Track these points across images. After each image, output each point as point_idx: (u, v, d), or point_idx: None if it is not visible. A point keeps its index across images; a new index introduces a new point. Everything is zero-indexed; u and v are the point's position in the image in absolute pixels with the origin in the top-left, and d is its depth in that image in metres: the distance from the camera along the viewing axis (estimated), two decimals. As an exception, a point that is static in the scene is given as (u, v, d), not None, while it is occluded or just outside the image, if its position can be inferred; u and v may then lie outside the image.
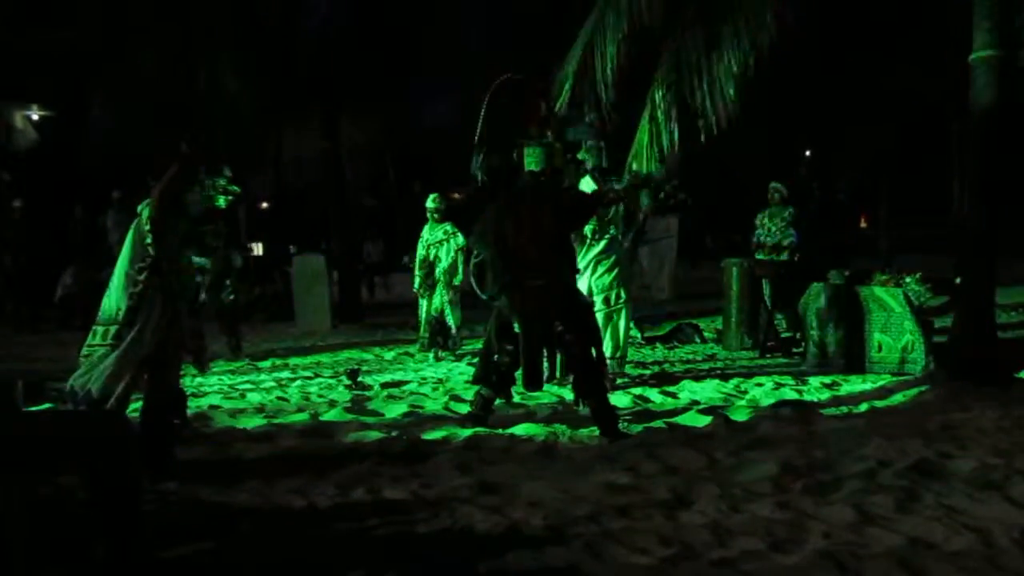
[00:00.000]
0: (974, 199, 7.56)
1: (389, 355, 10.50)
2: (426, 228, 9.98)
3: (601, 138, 8.25)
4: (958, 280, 7.78)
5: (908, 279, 8.17)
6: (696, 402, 6.94)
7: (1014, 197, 10.99)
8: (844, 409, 6.56)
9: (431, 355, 9.83)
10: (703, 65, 8.57)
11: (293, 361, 10.11)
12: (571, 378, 7.36)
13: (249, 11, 15.93)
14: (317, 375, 8.92)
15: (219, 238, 9.37)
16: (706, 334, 11.14)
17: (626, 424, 6.09)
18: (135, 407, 5.09)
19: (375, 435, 5.90)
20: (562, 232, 6.10)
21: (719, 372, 8.46)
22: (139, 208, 4.96)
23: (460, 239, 9.62)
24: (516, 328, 5.99)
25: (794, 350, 9.47)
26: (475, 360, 9.22)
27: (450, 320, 9.77)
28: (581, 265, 7.21)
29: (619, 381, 7.59)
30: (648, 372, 8.40)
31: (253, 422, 6.47)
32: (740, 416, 6.28)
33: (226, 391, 7.95)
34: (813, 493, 4.36)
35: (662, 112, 8.66)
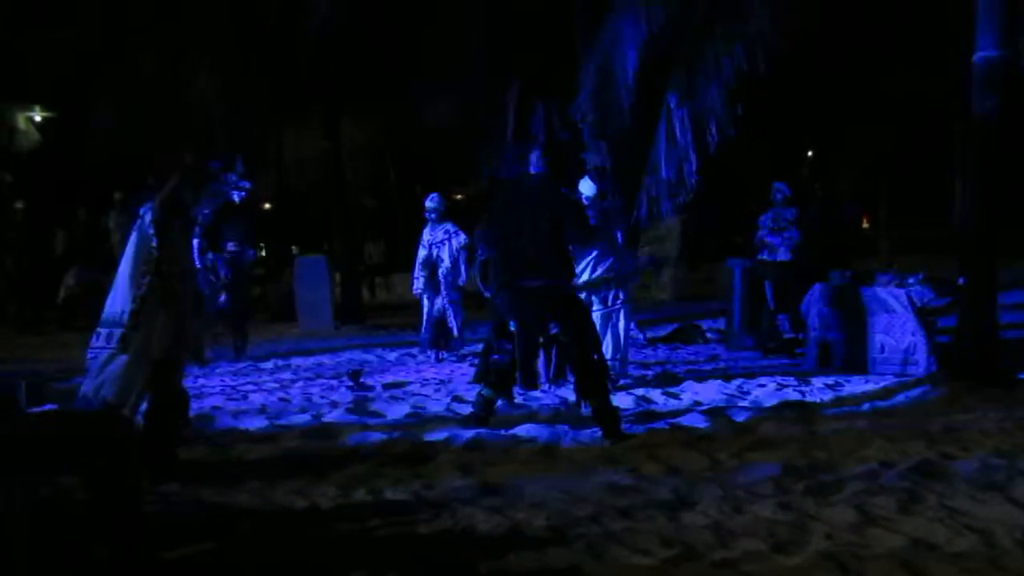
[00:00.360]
0: (975, 200, 7.55)
1: (391, 356, 10.50)
2: (426, 229, 9.96)
3: (603, 139, 8.28)
4: (960, 281, 7.78)
5: (910, 280, 8.17)
6: (698, 403, 6.93)
7: (1015, 197, 10.99)
8: (846, 410, 6.55)
9: (433, 356, 9.82)
10: (711, 67, 8.63)
11: (295, 362, 10.10)
12: (560, 384, 7.43)
13: (249, 11, 15.91)
14: (319, 376, 8.92)
15: (236, 236, 9.40)
16: (708, 335, 11.14)
17: (628, 425, 6.08)
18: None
19: (377, 436, 5.90)
20: (560, 235, 6.11)
21: (721, 373, 8.46)
22: (141, 211, 4.97)
23: (461, 239, 9.60)
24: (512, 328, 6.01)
25: (796, 351, 9.47)
26: (477, 361, 9.25)
27: (452, 321, 9.77)
28: (578, 268, 7.23)
29: (621, 382, 7.59)
30: (650, 373, 8.40)
31: (255, 423, 6.47)
32: (742, 417, 6.28)
33: (228, 392, 7.95)
34: (815, 494, 4.36)
35: (676, 116, 8.73)
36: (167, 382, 4.97)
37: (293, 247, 23.83)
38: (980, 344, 7.45)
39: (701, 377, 8.16)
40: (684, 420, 6.23)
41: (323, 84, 15.79)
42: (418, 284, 9.91)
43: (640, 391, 7.38)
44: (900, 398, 6.99)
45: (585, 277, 7.63)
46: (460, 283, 9.76)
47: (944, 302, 8.05)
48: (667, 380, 7.94)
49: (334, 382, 8.42)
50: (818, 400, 7.00)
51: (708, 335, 11.12)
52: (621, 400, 6.83)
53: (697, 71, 8.97)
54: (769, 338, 9.74)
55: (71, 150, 18.69)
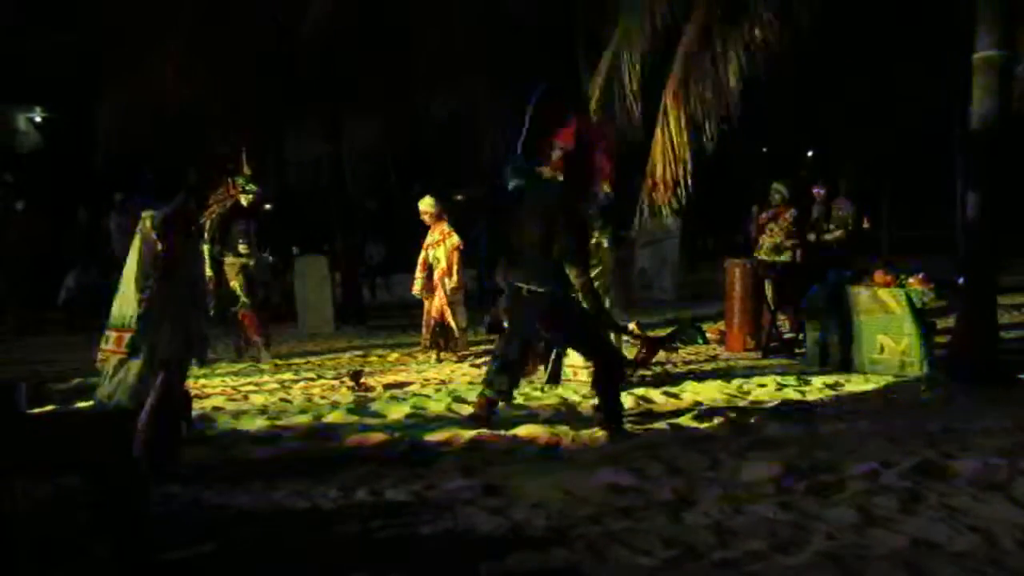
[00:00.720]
0: (976, 200, 7.55)
1: (392, 356, 10.50)
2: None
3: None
4: (960, 280, 7.79)
5: (910, 280, 8.16)
6: (699, 403, 6.93)
7: (1015, 198, 10.99)
8: (846, 410, 6.55)
9: (433, 356, 9.82)
10: (709, 68, 8.64)
11: (296, 362, 10.11)
12: (555, 387, 7.55)
13: (249, 11, 15.91)
14: (320, 376, 8.92)
15: (249, 239, 9.41)
16: (708, 335, 11.12)
17: (629, 425, 6.08)
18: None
19: (378, 436, 5.90)
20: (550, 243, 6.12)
21: (721, 373, 8.45)
22: (143, 215, 4.99)
23: (455, 239, 9.61)
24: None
25: (796, 351, 9.47)
26: (478, 361, 9.26)
27: (452, 321, 9.76)
28: None
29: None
30: (650, 373, 8.39)
31: (256, 424, 6.46)
32: (742, 417, 6.28)
33: (229, 392, 7.95)
34: (816, 494, 4.36)
35: (674, 116, 8.74)
36: (170, 383, 4.98)
37: (294, 248, 23.84)
38: (980, 344, 7.45)
39: (701, 377, 8.16)
40: (684, 420, 6.23)
41: (324, 85, 15.79)
42: (418, 285, 9.94)
43: (640, 391, 7.37)
44: (900, 398, 6.98)
45: None
46: (456, 284, 9.76)
47: (944, 302, 8.05)
48: (667, 380, 7.94)
49: (335, 383, 8.43)
50: (818, 400, 7.00)
51: (707, 335, 11.10)
52: (621, 400, 6.83)
53: (697, 71, 8.97)
54: (769, 338, 9.74)
55: (71, 150, 18.71)
